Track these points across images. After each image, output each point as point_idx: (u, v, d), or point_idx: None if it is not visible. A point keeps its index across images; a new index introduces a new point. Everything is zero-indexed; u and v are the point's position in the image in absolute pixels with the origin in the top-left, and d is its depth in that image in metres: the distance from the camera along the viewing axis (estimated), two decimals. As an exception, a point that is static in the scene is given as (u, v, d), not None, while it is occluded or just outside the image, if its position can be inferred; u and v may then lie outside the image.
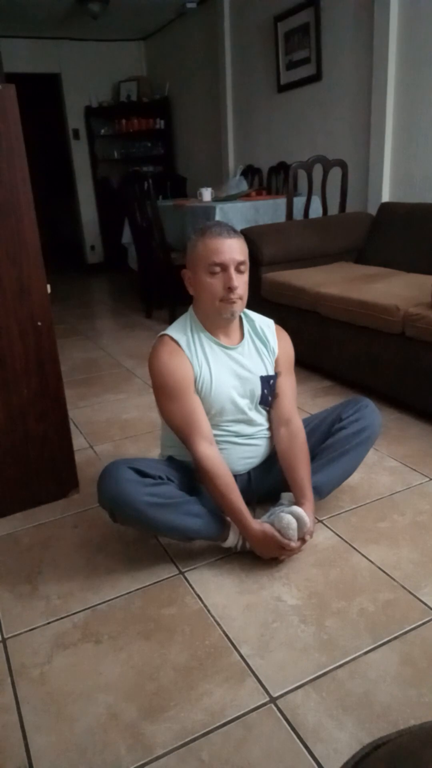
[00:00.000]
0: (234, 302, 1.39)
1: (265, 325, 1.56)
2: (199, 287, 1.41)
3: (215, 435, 1.48)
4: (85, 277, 6.21)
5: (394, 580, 1.39)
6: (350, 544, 1.53)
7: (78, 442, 2.19)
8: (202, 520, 1.43)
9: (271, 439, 1.58)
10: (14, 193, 1.50)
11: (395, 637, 1.22)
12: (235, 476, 1.46)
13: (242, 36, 4.50)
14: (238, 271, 1.38)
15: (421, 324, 2.08)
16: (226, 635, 1.26)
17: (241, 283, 1.39)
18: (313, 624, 1.27)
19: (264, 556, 1.45)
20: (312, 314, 2.64)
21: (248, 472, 1.59)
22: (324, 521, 1.63)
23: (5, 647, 1.27)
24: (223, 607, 1.34)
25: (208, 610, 1.33)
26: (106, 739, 1.05)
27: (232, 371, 1.48)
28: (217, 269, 1.37)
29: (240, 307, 1.43)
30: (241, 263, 1.38)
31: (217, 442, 1.48)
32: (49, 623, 1.33)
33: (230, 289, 1.37)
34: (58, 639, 1.28)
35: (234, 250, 1.36)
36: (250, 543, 1.44)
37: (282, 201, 3.64)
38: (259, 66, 4.39)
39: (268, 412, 1.58)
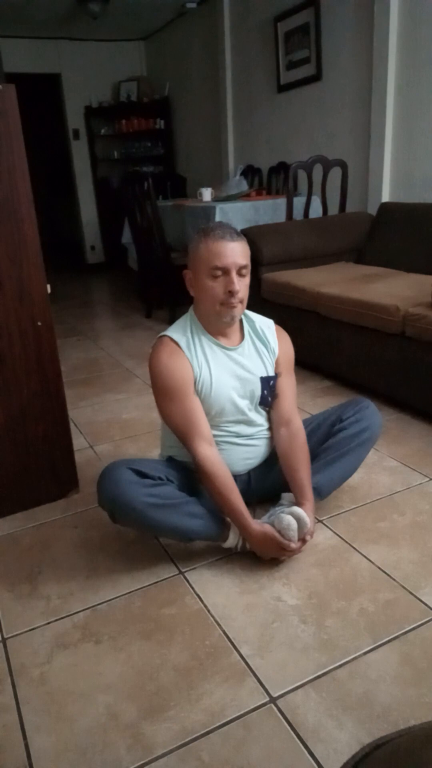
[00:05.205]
0: (234, 306, 1.39)
1: (266, 325, 1.56)
2: (200, 289, 1.41)
3: (215, 436, 1.48)
4: (85, 277, 6.21)
5: (394, 580, 1.39)
6: (350, 544, 1.53)
7: (78, 442, 2.19)
8: (202, 520, 1.43)
9: (271, 439, 1.58)
10: (14, 193, 1.50)
11: (395, 637, 1.22)
12: (235, 477, 1.46)
13: (242, 36, 4.50)
14: (240, 274, 1.38)
15: (421, 324, 2.08)
16: (226, 635, 1.26)
17: (242, 287, 1.39)
18: (313, 624, 1.27)
19: (264, 556, 1.45)
20: (312, 314, 2.64)
21: (248, 473, 1.59)
22: (324, 521, 1.63)
23: (5, 647, 1.27)
24: (223, 607, 1.34)
25: (208, 610, 1.33)
26: (106, 739, 1.05)
27: (232, 372, 1.48)
28: (219, 273, 1.36)
29: (240, 310, 1.43)
30: (243, 267, 1.38)
31: (217, 443, 1.48)
32: (49, 623, 1.33)
33: (231, 293, 1.36)
34: (58, 639, 1.28)
35: (236, 253, 1.36)
36: (250, 544, 1.44)
37: (282, 201, 3.64)
38: (259, 66, 4.39)
39: (268, 413, 1.58)
